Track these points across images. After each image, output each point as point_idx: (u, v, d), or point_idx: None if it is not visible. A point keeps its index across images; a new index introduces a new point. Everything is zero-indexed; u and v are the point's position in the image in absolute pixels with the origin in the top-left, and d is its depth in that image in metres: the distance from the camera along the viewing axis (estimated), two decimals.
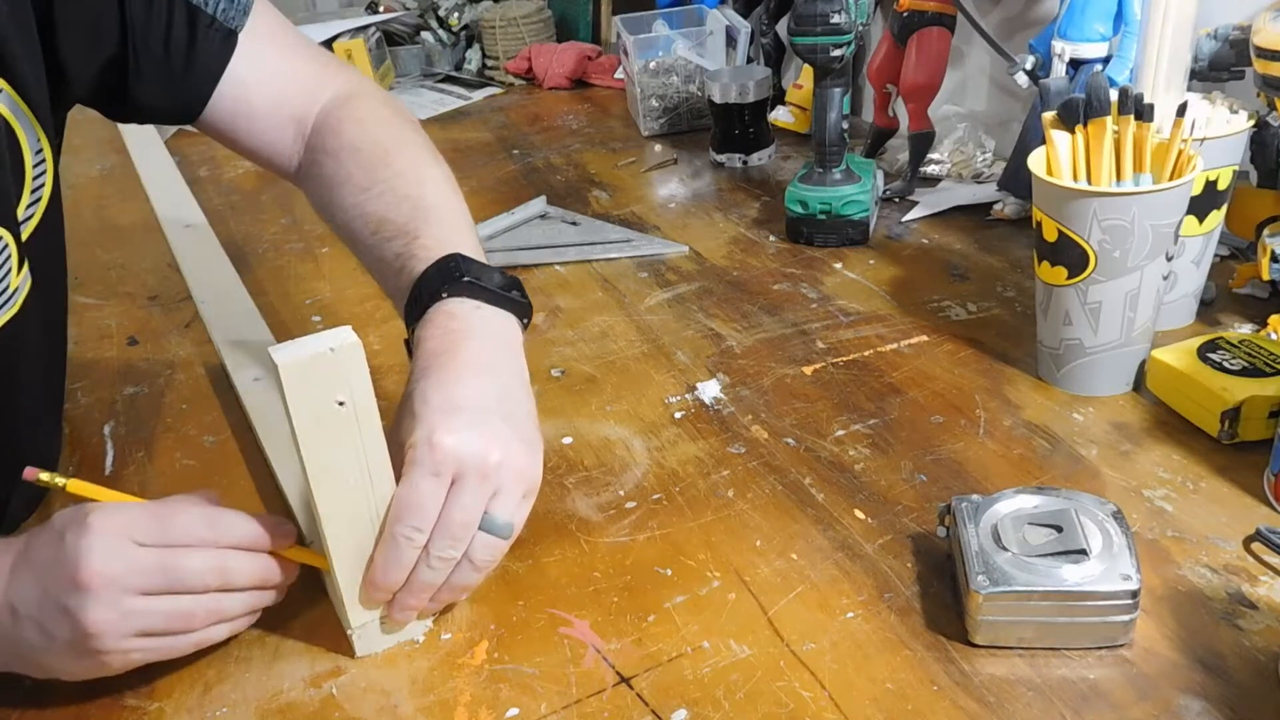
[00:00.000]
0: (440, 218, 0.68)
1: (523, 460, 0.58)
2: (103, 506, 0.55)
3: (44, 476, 0.57)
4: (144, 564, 0.54)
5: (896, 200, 1.15)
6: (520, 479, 0.58)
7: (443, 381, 0.57)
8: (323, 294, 1.05)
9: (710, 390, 0.83)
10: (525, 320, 0.65)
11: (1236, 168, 0.81)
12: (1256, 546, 0.62)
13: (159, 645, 0.56)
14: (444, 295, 0.62)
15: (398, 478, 0.56)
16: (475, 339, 0.61)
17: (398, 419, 0.59)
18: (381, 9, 1.88)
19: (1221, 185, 0.80)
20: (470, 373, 0.59)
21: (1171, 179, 0.73)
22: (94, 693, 0.58)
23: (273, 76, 0.74)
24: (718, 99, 1.28)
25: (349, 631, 0.59)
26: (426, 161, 0.73)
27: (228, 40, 0.71)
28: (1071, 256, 0.74)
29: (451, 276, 0.62)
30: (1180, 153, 0.73)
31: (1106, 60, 0.97)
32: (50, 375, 0.76)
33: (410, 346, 0.62)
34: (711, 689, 0.56)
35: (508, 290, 0.64)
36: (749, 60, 1.43)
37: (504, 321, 0.63)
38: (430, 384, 0.57)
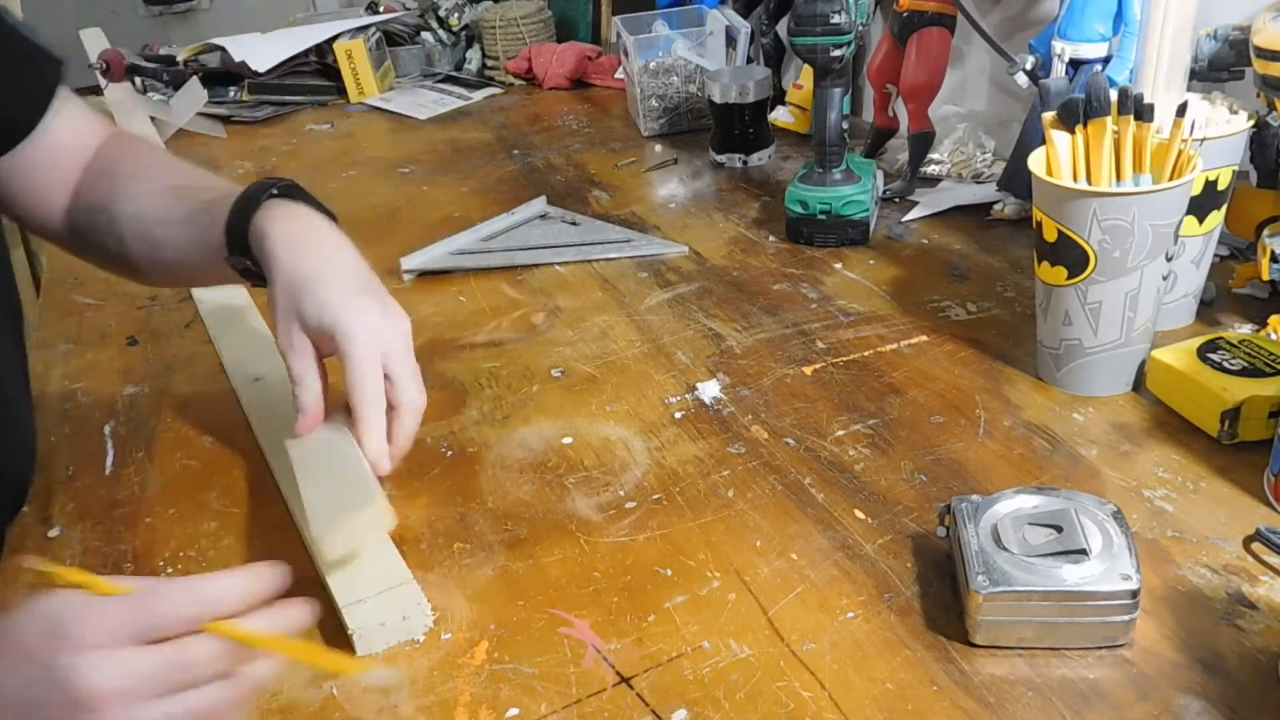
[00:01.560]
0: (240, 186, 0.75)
1: (404, 315, 0.69)
2: (80, 615, 0.46)
3: (41, 568, 0.51)
4: (149, 668, 0.46)
5: (896, 200, 1.15)
6: (407, 331, 0.68)
7: (326, 266, 0.67)
8: None
9: (710, 390, 0.83)
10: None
11: (1236, 168, 0.81)
12: (1256, 546, 0.62)
13: None
14: (274, 193, 0.70)
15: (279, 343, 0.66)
16: (325, 227, 0.70)
17: (285, 297, 0.66)
18: (381, 9, 1.88)
19: (1221, 185, 0.80)
20: (341, 255, 0.69)
21: (1171, 179, 0.73)
22: None
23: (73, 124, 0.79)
24: (718, 99, 1.28)
25: (349, 631, 0.59)
26: (198, 168, 0.81)
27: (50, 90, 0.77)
28: (1071, 256, 0.74)
29: (270, 188, 0.70)
30: (1180, 153, 0.73)
31: (1106, 60, 0.97)
32: (7, 377, 0.76)
33: (238, 244, 0.69)
34: (711, 689, 0.56)
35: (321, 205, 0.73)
36: (749, 60, 1.42)
37: (327, 218, 0.72)
38: (315, 266, 0.66)
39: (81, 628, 0.45)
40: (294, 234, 0.68)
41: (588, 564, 0.66)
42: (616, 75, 1.66)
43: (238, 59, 1.66)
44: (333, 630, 0.61)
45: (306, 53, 1.72)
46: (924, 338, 0.88)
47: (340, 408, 0.66)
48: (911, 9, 1.12)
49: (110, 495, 0.77)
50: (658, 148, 1.40)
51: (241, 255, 0.70)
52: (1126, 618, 0.56)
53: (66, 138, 0.78)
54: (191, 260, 0.75)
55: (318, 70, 1.73)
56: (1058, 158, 0.75)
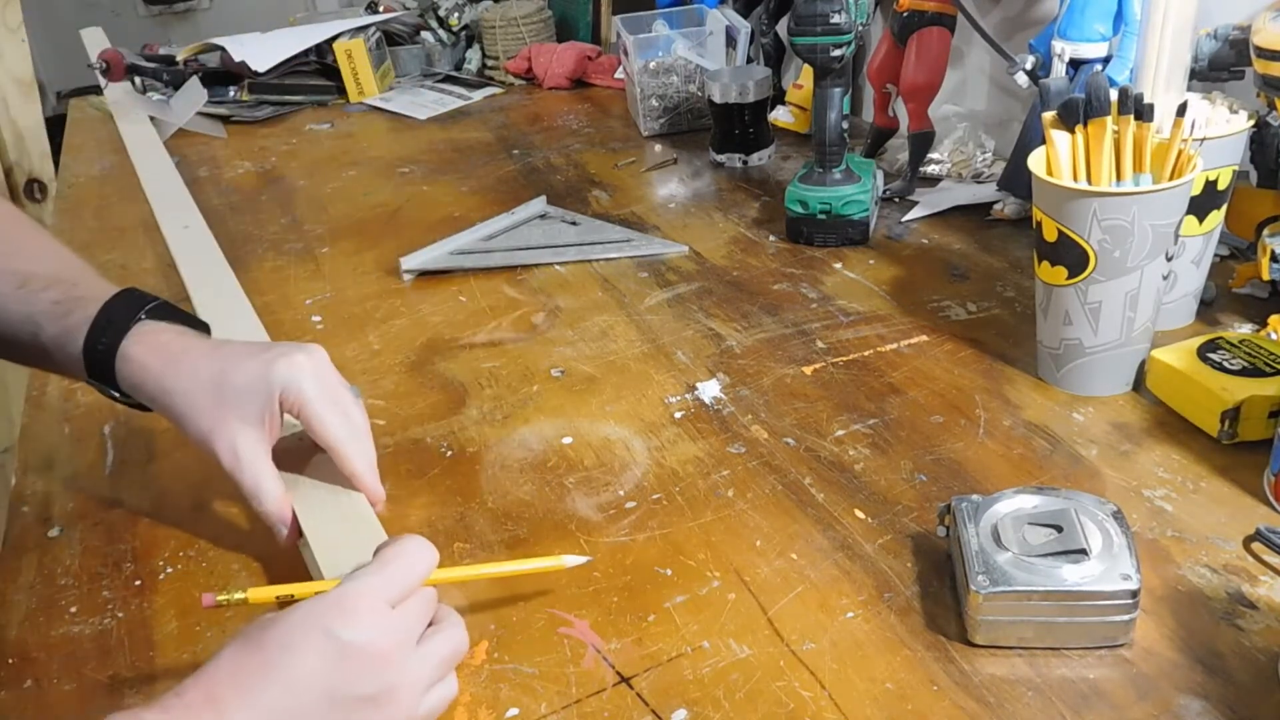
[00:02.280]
0: (89, 269, 0.72)
1: (316, 346, 0.68)
2: (348, 598, 0.53)
3: (222, 598, 0.57)
4: (411, 622, 0.54)
5: (896, 200, 1.15)
6: (326, 357, 0.69)
7: (230, 353, 0.66)
8: (323, 294, 1.05)
9: (710, 390, 0.83)
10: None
11: (1236, 168, 0.81)
12: (1256, 546, 0.63)
13: (442, 693, 0.55)
14: (142, 317, 0.67)
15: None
16: (201, 342, 0.68)
17: (210, 410, 0.64)
18: (381, 9, 1.88)
19: (1221, 185, 0.80)
20: (230, 345, 0.68)
21: (1171, 179, 0.73)
22: (94, 693, 0.59)
23: None
24: (718, 99, 1.28)
25: None
26: (37, 228, 0.75)
27: None
28: (1071, 256, 0.74)
29: (142, 303, 0.68)
30: (1180, 153, 0.73)
31: (1106, 60, 0.97)
32: None
33: (102, 370, 0.66)
34: (711, 689, 0.56)
35: (193, 320, 0.71)
36: (749, 60, 1.42)
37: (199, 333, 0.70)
38: (219, 365, 0.65)
39: (357, 603, 0.52)
40: (175, 358, 0.66)
41: (587, 564, 0.66)
42: (616, 75, 1.66)
43: (238, 59, 1.66)
44: None
45: (306, 53, 1.72)
46: (924, 337, 0.88)
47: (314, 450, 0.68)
48: (911, 9, 1.12)
49: (110, 495, 0.77)
50: (658, 148, 1.40)
51: (103, 382, 0.66)
52: (1126, 618, 0.56)
53: None
54: (35, 358, 0.70)
55: (318, 70, 1.73)
56: (1058, 158, 0.75)
